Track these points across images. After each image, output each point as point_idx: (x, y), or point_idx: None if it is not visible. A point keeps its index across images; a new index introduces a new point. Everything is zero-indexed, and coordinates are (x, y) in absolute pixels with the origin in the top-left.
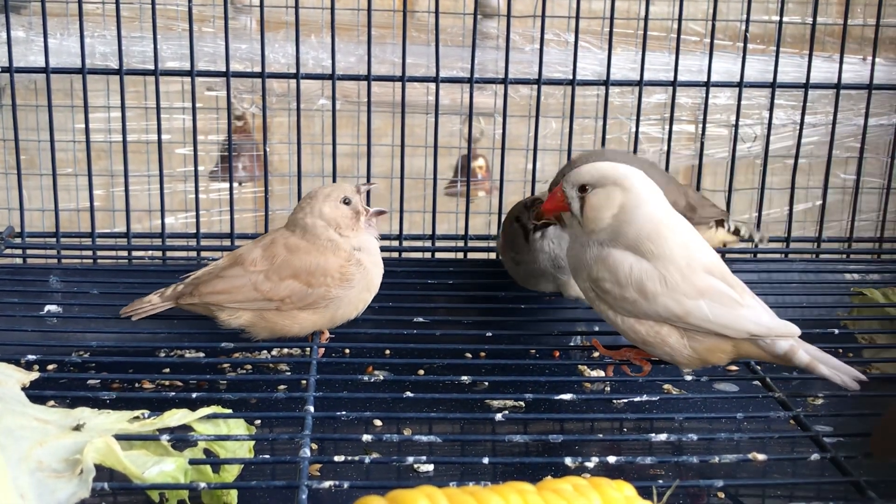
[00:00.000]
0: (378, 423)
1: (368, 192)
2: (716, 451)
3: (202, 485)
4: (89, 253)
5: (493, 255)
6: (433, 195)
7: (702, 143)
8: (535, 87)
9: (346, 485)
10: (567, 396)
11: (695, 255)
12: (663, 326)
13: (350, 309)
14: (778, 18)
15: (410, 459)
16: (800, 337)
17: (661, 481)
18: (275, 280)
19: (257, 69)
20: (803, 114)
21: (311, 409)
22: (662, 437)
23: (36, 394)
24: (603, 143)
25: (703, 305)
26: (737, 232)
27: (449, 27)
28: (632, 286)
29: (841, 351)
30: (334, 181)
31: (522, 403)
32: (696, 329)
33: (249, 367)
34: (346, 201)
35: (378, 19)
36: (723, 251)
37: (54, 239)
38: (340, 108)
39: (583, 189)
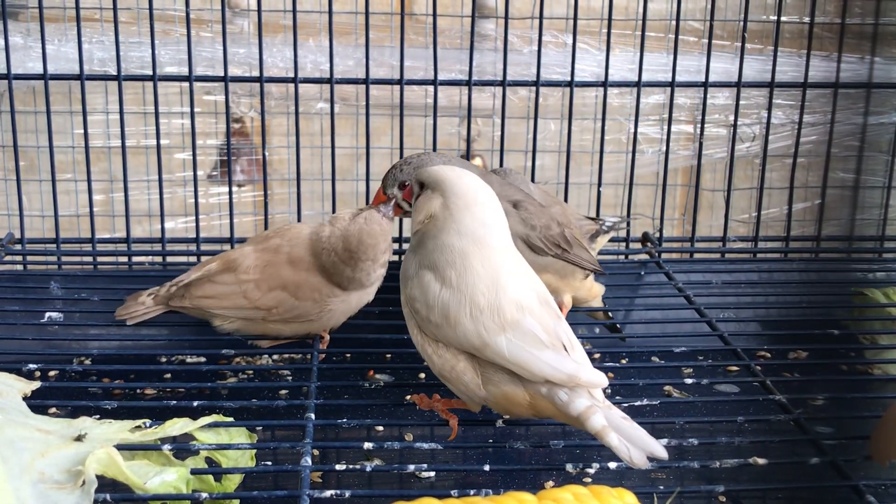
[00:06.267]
0: (380, 428)
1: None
2: (717, 455)
3: (204, 495)
4: (89, 258)
5: None
6: None
7: (700, 144)
8: (534, 88)
9: (347, 494)
10: None
11: (505, 293)
12: (460, 361)
13: (339, 318)
14: (776, 17)
15: (412, 467)
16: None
17: (662, 487)
18: (263, 289)
19: (255, 73)
20: (801, 113)
21: (313, 416)
22: (663, 441)
23: (37, 403)
24: (602, 145)
25: (503, 341)
26: (612, 227)
27: (447, 28)
28: (437, 308)
29: (842, 351)
30: (333, 183)
31: None
32: (495, 368)
33: (251, 373)
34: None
35: (376, 21)
36: (722, 251)
37: (54, 245)
38: (339, 110)
39: (422, 187)
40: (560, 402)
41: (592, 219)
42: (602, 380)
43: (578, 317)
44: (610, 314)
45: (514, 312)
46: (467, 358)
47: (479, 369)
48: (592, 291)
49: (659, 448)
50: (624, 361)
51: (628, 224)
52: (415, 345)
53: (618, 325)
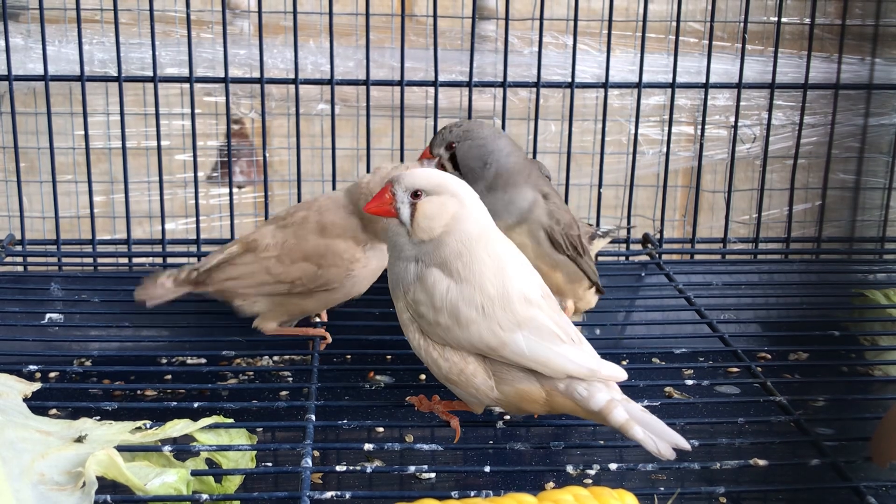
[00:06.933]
0: (380, 429)
1: None
2: (717, 456)
3: (204, 496)
4: (90, 260)
5: None
6: None
7: (701, 145)
8: (534, 90)
9: (348, 495)
10: None
11: (512, 283)
12: (469, 363)
13: (362, 286)
14: (776, 18)
15: (412, 468)
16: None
17: (662, 488)
18: (286, 263)
19: (256, 74)
20: (802, 114)
21: (313, 417)
22: None
23: (38, 404)
24: (602, 146)
25: (520, 338)
26: (606, 233)
27: (447, 30)
28: (446, 310)
29: (843, 353)
30: (334, 185)
31: None
32: (509, 367)
33: (251, 374)
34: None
35: (376, 23)
36: (723, 252)
37: (55, 246)
38: (340, 112)
39: (416, 195)
40: (580, 398)
41: (588, 224)
42: (621, 373)
43: (574, 317)
44: (583, 331)
45: (526, 307)
46: (477, 359)
47: (491, 369)
48: (589, 304)
49: (682, 439)
50: (625, 363)
51: (629, 230)
52: (415, 350)
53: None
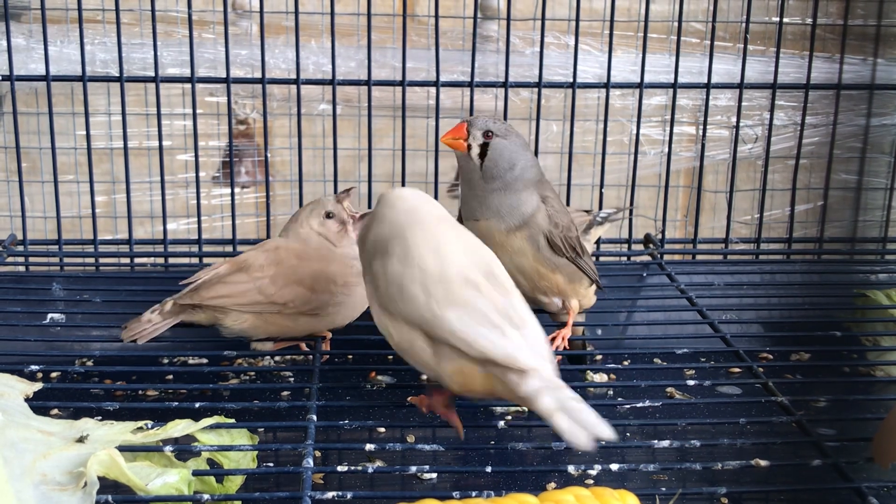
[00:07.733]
0: (381, 430)
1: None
2: (719, 457)
3: (206, 496)
4: (92, 260)
5: None
6: (435, 197)
7: (702, 145)
8: (536, 90)
9: (349, 495)
10: None
11: (453, 268)
12: (417, 338)
13: (349, 314)
14: (778, 19)
15: (414, 469)
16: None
17: (663, 489)
18: (279, 284)
19: (258, 75)
20: (804, 114)
21: (314, 417)
22: (665, 443)
23: (39, 404)
24: (604, 146)
25: (453, 317)
26: (606, 219)
27: (449, 30)
28: (394, 283)
29: (844, 353)
30: (335, 185)
31: (525, 409)
32: (443, 343)
33: (253, 374)
34: (329, 215)
35: (378, 23)
36: (725, 253)
37: (57, 246)
38: (341, 112)
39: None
40: (511, 382)
41: (586, 211)
42: (540, 364)
43: (579, 318)
44: (585, 331)
45: (465, 289)
46: (423, 333)
47: (433, 345)
48: (591, 301)
49: (605, 430)
50: (626, 363)
51: (630, 223)
52: (375, 320)
53: (586, 345)
